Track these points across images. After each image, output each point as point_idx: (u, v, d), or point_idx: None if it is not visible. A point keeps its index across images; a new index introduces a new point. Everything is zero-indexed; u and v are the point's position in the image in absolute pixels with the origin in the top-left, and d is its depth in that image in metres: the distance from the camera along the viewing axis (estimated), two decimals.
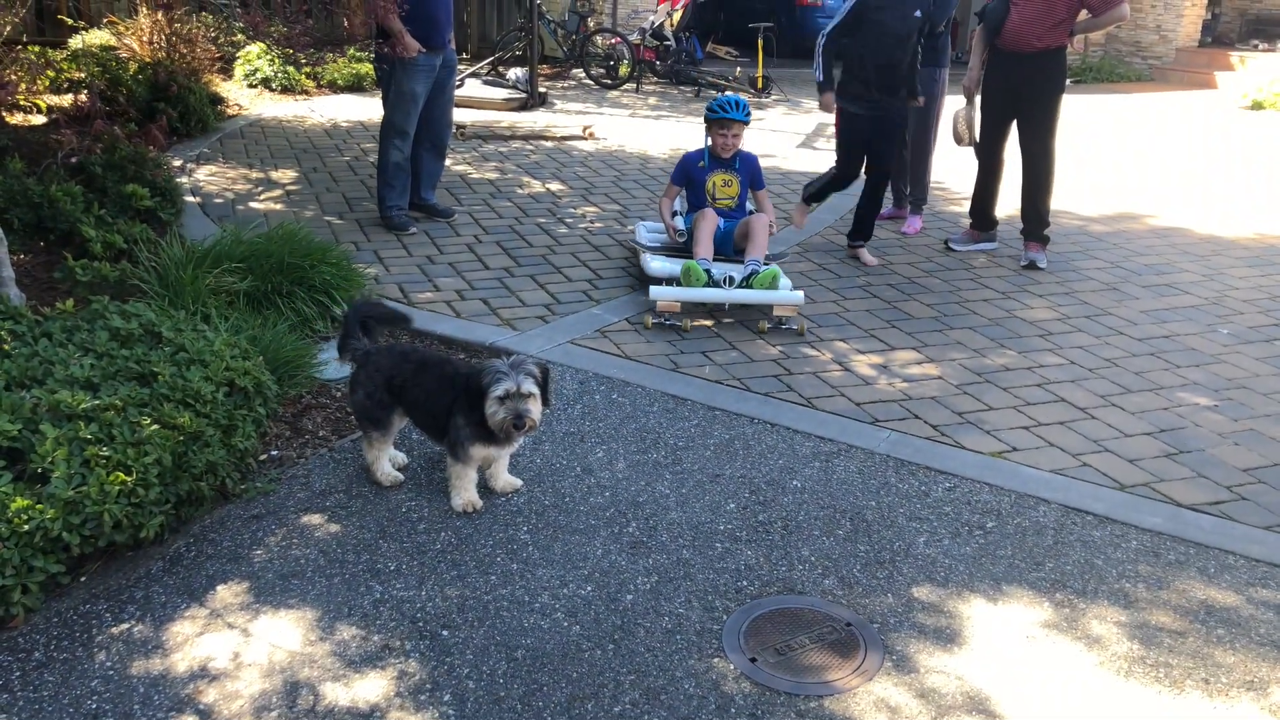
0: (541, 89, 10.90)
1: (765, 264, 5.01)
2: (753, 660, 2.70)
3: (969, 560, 3.17)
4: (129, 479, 2.85)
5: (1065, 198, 7.19)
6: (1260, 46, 14.19)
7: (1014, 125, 5.93)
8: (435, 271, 5.55)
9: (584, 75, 12.57)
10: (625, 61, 12.19)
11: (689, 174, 5.44)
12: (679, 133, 9.54)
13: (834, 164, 6.03)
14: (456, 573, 3.01)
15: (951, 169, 7.89)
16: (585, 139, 9.07)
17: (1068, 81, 5.93)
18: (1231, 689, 2.67)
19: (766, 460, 3.71)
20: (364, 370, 3.37)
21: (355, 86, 10.96)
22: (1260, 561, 3.22)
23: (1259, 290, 5.71)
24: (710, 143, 5.38)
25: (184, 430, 3.09)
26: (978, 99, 5.98)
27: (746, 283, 4.83)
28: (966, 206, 6.50)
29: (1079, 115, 11.05)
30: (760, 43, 11.77)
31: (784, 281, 4.92)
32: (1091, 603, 2.99)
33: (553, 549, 3.14)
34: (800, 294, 4.83)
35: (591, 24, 13.11)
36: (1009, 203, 6.27)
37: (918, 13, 5.57)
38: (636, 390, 4.20)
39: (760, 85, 11.77)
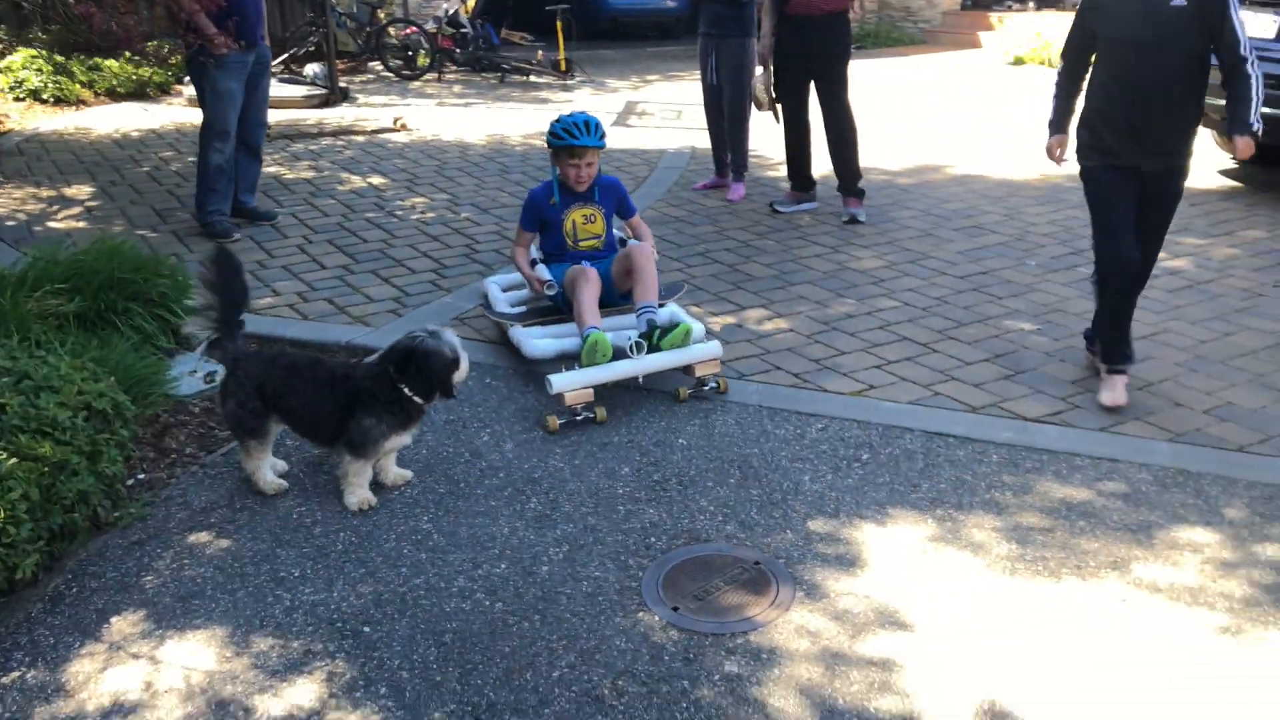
0: (341, 84, 10.58)
1: (661, 305, 4.23)
2: (675, 609, 2.79)
3: (853, 490, 3.37)
4: None
5: (871, 154, 7.60)
6: (1013, 6, 15.36)
7: (812, 87, 6.23)
8: (269, 276, 5.34)
9: (382, 68, 12.26)
10: (423, 51, 11.97)
11: (541, 216, 4.41)
12: (491, 118, 9.49)
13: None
14: (365, 570, 2.95)
15: (767, 137, 8.21)
16: (398, 131, 8.88)
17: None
18: (1100, 570, 2.97)
19: (649, 424, 3.80)
20: (233, 379, 3.23)
21: (138, 94, 10.30)
22: (1102, 459, 3.57)
23: (1053, 224, 6.25)
24: (559, 174, 4.38)
25: (47, 460, 2.89)
26: (771, 65, 6.25)
27: (652, 342, 3.95)
28: (784, 170, 6.78)
29: (867, 77, 11.68)
30: (559, 25, 11.81)
31: (695, 329, 4.10)
32: (968, 514, 3.24)
33: (458, 534, 3.13)
34: (717, 345, 4.07)
35: (383, 15, 12.80)
36: (823, 163, 6.59)
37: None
38: (508, 372, 4.20)
39: (564, 68, 11.83)
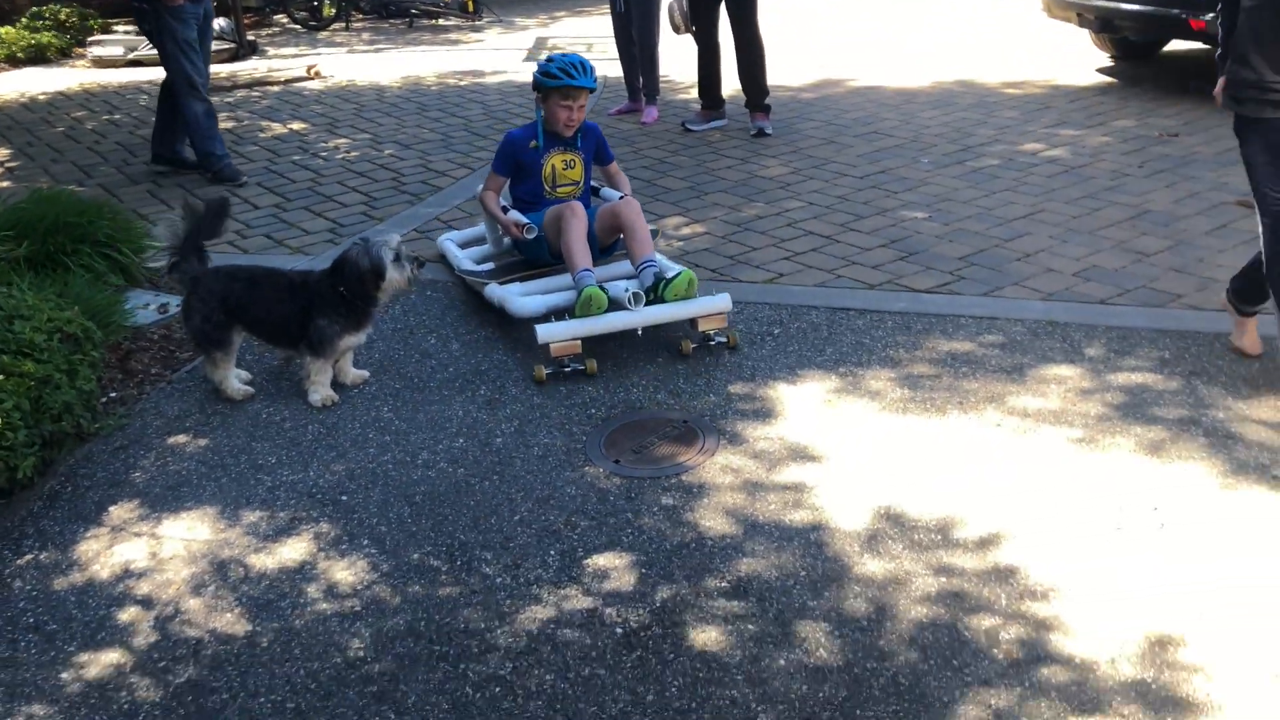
0: (249, 37, 10.58)
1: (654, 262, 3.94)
2: (616, 462, 3.18)
3: (767, 358, 3.78)
4: None
5: (775, 72, 7.97)
6: None
7: (722, 10, 6.56)
8: None
9: (287, 20, 12.22)
10: (329, 1, 11.96)
11: (518, 159, 4.16)
12: (404, 61, 9.62)
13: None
14: (335, 453, 3.29)
15: (675, 62, 8.51)
16: (312, 79, 8.98)
17: None
18: (979, 404, 3.43)
19: None
20: (196, 296, 3.50)
21: (38, 58, 10.19)
22: (983, 318, 4.03)
23: (945, 126, 6.69)
24: (545, 116, 4.14)
25: (32, 376, 3.15)
26: None
27: (656, 294, 3.74)
28: (693, 92, 7.12)
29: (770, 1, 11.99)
30: None
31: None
32: (867, 369, 3.68)
33: (417, 419, 3.47)
34: (727, 297, 3.81)
35: None
36: (731, 82, 6.92)
37: None
38: (446, 285, 4.51)
39: (471, 8, 11.93)
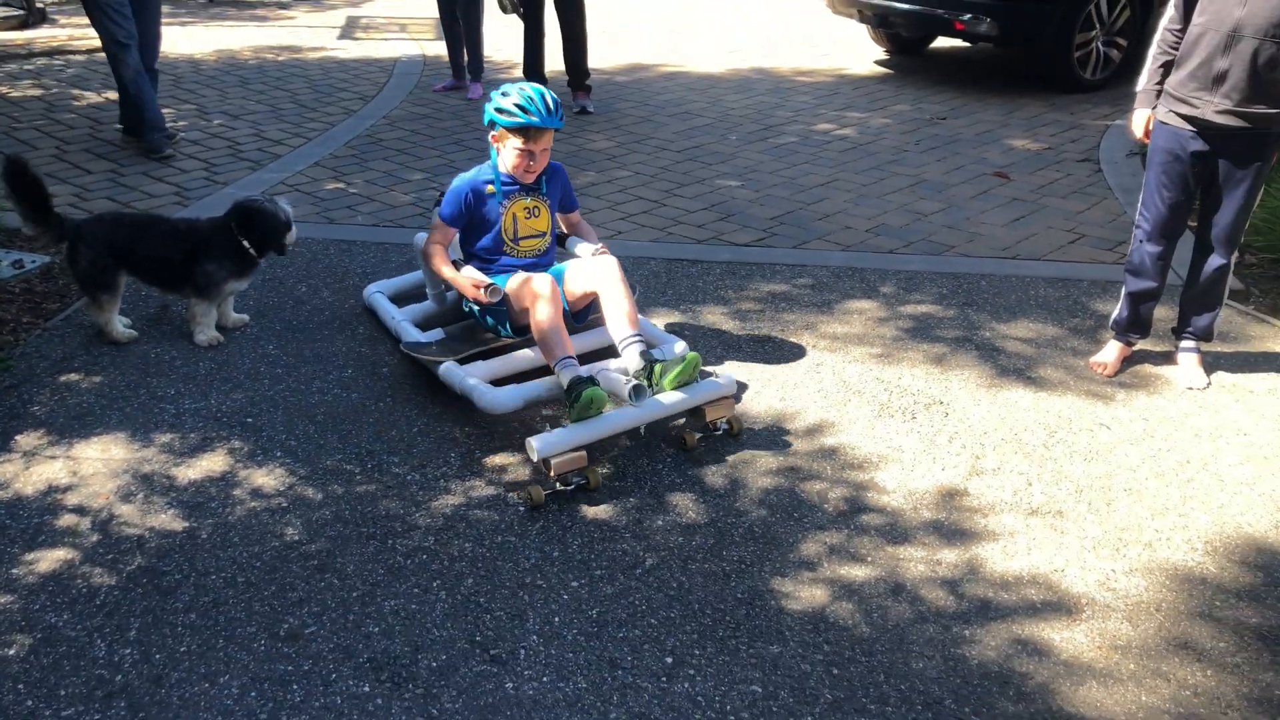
0: (39, 4, 10.11)
1: (641, 340, 3.36)
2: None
3: None
4: None
5: (592, 54, 8.49)
6: None
7: None
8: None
9: None
10: None
11: (474, 206, 3.54)
12: (212, 36, 9.50)
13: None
14: (231, 385, 3.54)
15: (496, 41, 8.87)
16: None
17: None
18: (797, 331, 4.07)
19: None
20: (82, 242, 3.64)
21: None
22: (794, 265, 4.69)
23: (748, 108, 7.41)
24: (501, 159, 3.52)
25: None
26: None
27: (651, 378, 3.22)
28: (515, 71, 7.53)
29: None
30: None
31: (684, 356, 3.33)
32: (702, 307, 4.25)
33: (304, 354, 3.76)
34: (732, 379, 3.38)
35: None
36: (555, 61, 7.37)
37: None
38: (310, 242, 4.76)
39: None
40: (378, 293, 4.06)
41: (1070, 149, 6.52)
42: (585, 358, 3.49)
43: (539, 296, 3.28)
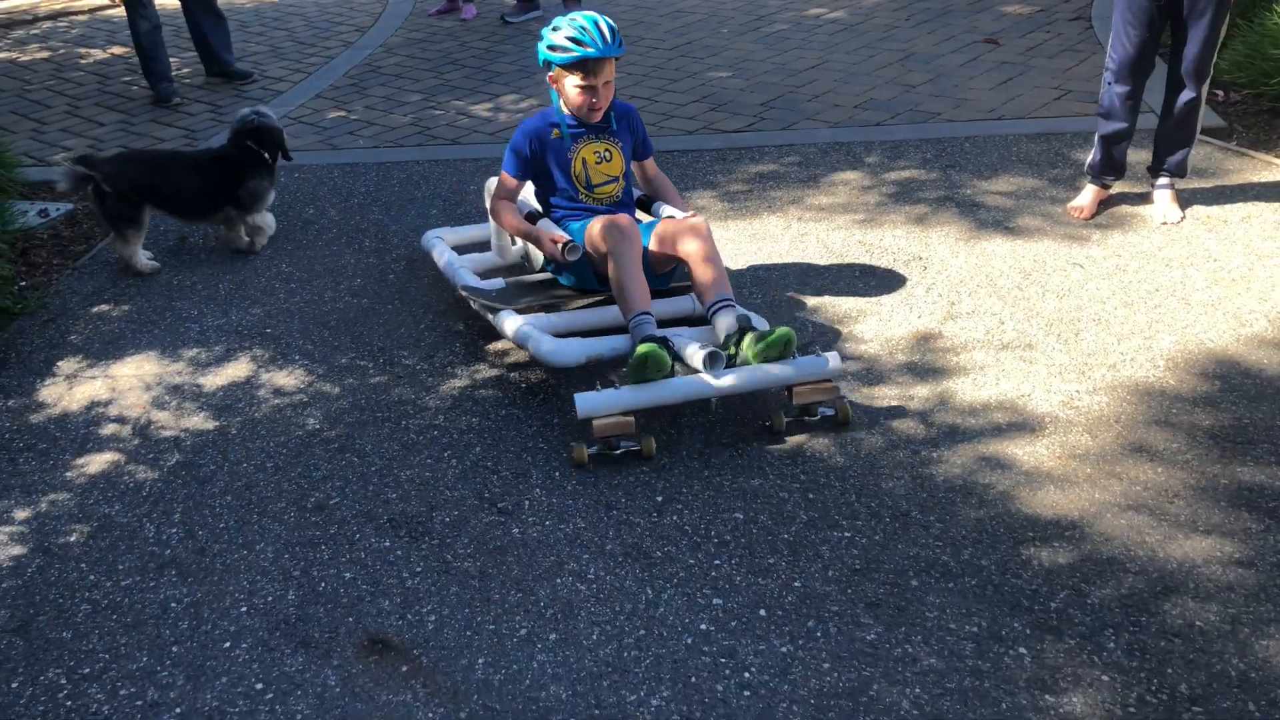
0: None
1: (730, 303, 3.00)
2: (504, 280, 3.80)
3: None
4: None
5: None
6: None
7: None
8: (52, 137, 5.73)
9: None
10: None
11: (539, 154, 3.25)
12: None
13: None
14: (250, 301, 3.78)
15: None
16: (116, 6, 8.89)
17: None
18: (784, 206, 4.21)
19: (444, 182, 4.70)
20: (107, 180, 3.87)
21: None
22: (782, 146, 4.81)
23: (739, 1, 7.42)
24: (564, 100, 3.22)
25: None
26: None
27: (737, 350, 2.87)
28: None
29: None
30: None
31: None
32: (694, 191, 4.40)
33: (315, 269, 3.98)
34: (835, 357, 2.87)
35: None
36: None
37: None
38: (314, 167, 4.95)
39: None
40: (436, 238, 3.72)
41: (1062, 9, 6.49)
42: (668, 324, 3.13)
43: (618, 237, 2.97)
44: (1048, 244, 3.73)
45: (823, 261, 3.75)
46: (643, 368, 2.75)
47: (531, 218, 3.28)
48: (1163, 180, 3.89)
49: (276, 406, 3.15)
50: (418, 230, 4.22)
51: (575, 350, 2.95)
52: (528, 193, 3.45)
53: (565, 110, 3.26)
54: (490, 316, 3.23)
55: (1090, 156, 3.92)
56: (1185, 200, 3.90)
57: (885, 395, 3.00)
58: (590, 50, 3.05)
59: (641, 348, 2.76)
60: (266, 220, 4.12)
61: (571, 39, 3.07)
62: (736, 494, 2.64)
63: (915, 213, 4.06)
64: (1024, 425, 2.82)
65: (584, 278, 3.27)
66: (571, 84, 3.16)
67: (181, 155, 4.06)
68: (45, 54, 7.50)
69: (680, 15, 7.15)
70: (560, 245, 3.07)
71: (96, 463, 2.95)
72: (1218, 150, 4.31)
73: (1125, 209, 3.93)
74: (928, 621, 2.23)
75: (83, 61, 7.22)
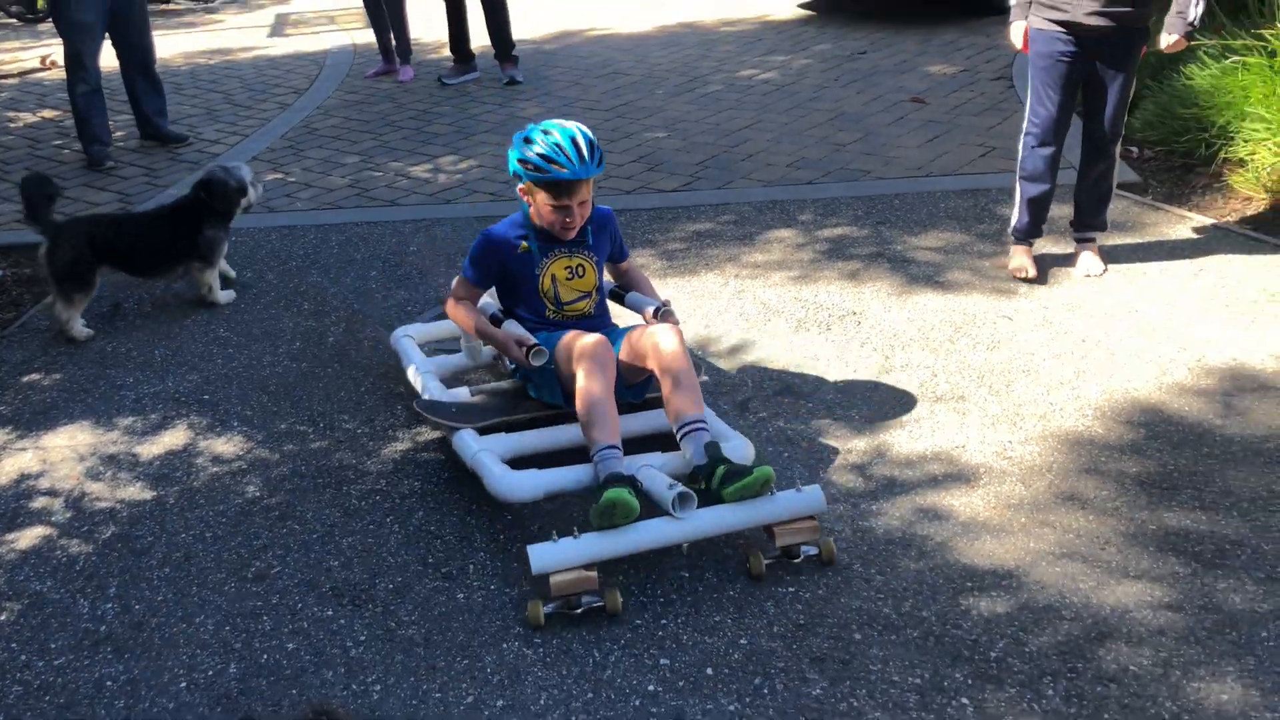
0: None
1: (701, 428, 2.72)
2: (439, 343, 3.80)
3: None
4: None
5: (518, 26, 8.63)
6: None
7: None
8: None
9: (1, 15, 11.68)
10: None
11: (504, 266, 3.02)
12: None
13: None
14: (187, 367, 3.73)
15: (421, 24, 8.99)
16: (47, 69, 8.82)
17: None
18: (721, 264, 4.29)
19: (382, 243, 4.71)
20: (64, 242, 3.87)
21: None
22: (718, 205, 4.91)
23: (673, 61, 7.59)
24: (535, 212, 2.96)
25: None
26: None
27: (710, 483, 2.60)
28: (444, 50, 7.67)
29: None
30: None
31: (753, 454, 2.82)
32: (635, 249, 4.43)
33: (252, 332, 3.95)
34: (818, 491, 2.64)
35: None
36: (480, 37, 7.51)
37: None
38: (253, 231, 4.93)
39: None
40: (405, 336, 3.50)
41: (985, 69, 6.75)
42: (639, 443, 2.88)
43: (586, 360, 2.72)
44: (977, 298, 3.85)
45: (760, 318, 3.83)
46: (609, 515, 2.46)
47: (495, 320, 3.01)
48: (1085, 235, 4.04)
49: (215, 475, 3.11)
50: (357, 292, 4.22)
51: (531, 485, 2.64)
52: (491, 292, 3.22)
53: (536, 221, 2.98)
54: (449, 436, 2.94)
55: (1015, 219, 4.04)
56: (1106, 253, 4.06)
57: (824, 449, 3.05)
58: (564, 172, 2.79)
59: (608, 494, 2.44)
60: (214, 278, 4.16)
61: (544, 156, 2.80)
62: (680, 559, 2.66)
63: (848, 269, 4.16)
64: (960, 476, 2.89)
65: (549, 390, 2.97)
66: (544, 201, 2.89)
67: (134, 214, 4.23)
68: None
69: (616, 77, 7.29)
70: (525, 349, 2.83)
71: (27, 537, 2.88)
72: (1134, 204, 4.49)
73: (1049, 262, 4.07)
74: (871, 675, 2.26)
75: (12, 125, 7.12)
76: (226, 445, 3.25)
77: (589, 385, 2.70)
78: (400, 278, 4.34)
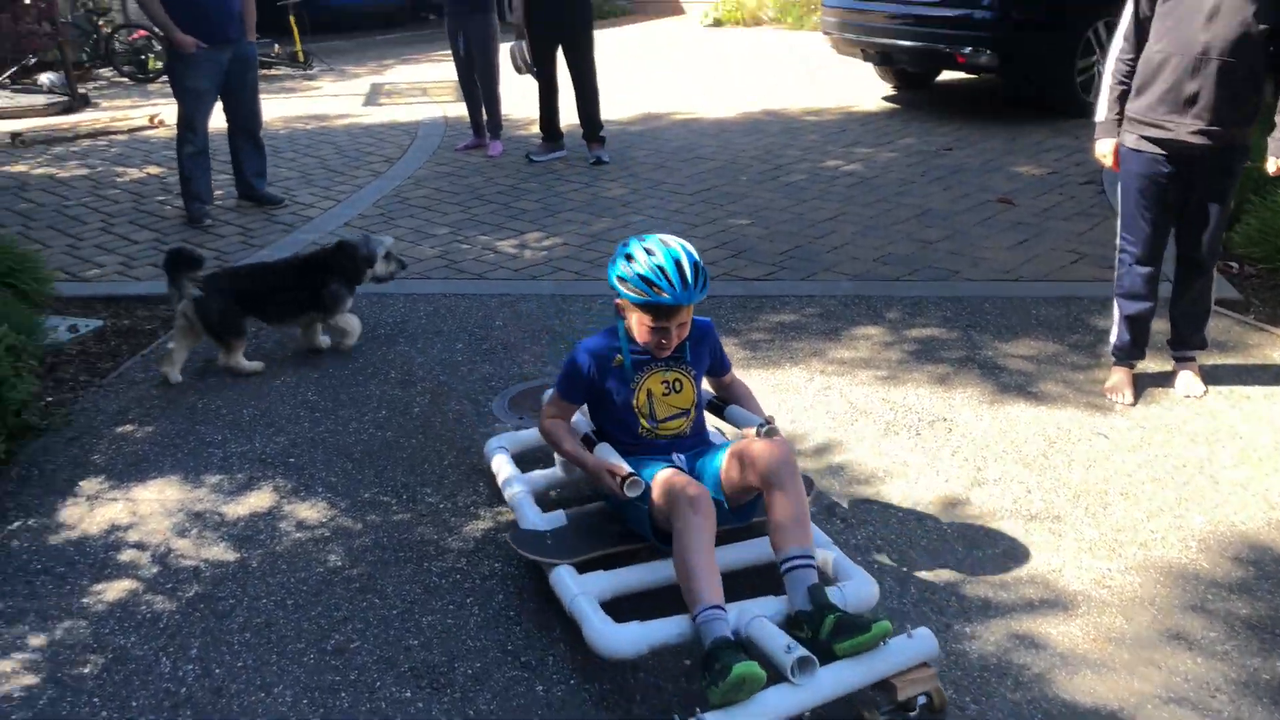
0: (81, 90, 10.64)
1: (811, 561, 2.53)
2: (520, 418, 3.82)
3: None
4: None
5: (606, 106, 8.82)
6: None
7: (559, 50, 7.34)
8: (86, 254, 5.84)
9: (114, 73, 12.26)
10: (154, 54, 12.07)
11: (598, 379, 2.88)
12: None
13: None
14: (274, 429, 3.78)
15: (512, 101, 9.23)
16: (155, 128, 9.19)
17: None
18: (806, 358, 4.26)
19: (469, 316, 4.77)
20: (211, 295, 4.09)
21: None
22: (803, 296, 4.89)
23: (757, 148, 7.67)
24: (631, 331, 2.86)
25: None
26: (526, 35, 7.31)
27: (818, 632, 2.39)
28: (534, 127, 7.85)
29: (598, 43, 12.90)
30: (292, 19, 12.27)
31: (868, 590, 2.62)
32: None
33: (340, 398, 4.00)
34: (929, 634, 2.46)
35: (102, 22, 12.76)
36: (569, 116, 7.68)
37: None
38: None
39: (302, 59, 12.32)
40: (500, 449, 3.34)
41: (1074, 172, 6.71)
42: (739, 576, 2.70)
43: (685, 509, 2.52)
44: (1071, 412, 3.76)
45: (848, 418, 3.77)
46: (735, 691, 2.23)
47: (588, 440, 2.92)
48: (1184, 354, 3.94)
49: (298, 540, 3.12)
50: (443, 364, 4.26)
51: (633, 640, 2.44)
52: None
53: (631, 336, 2.86)
54: (546, 570, 2.75)
55: (1115, 336, 3.93)
56: (1206, 374, 3.95)
57: (914, 562, 2.97)
58: (665, 297, 2.67)
59: (737, 670, 2.21)
60: (350, 322, 4.36)
61: (644, 278, 2.67)
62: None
63: (938, 372, 4.10)
64: (1056, 603, 2.79)
65: (639, 522, 2.76)
66: (640, 320, 2.77)
67: (276, 264, 4.52)
68: (84, 171, 7.70)
69: (700, 162, 7.38)
70: (620, 479, 2.66)
71: (114, 590, 2.90)
72: (1236, 324, 4.38)
73: (1147, 380, 3.97)
74: None
75: (119, 180, 7.41)
76: (310, 511, 3.27)
77: (689, 539, 2.49)
78: (485, 352, 4.38)
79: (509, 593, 2.87)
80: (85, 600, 2.86)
